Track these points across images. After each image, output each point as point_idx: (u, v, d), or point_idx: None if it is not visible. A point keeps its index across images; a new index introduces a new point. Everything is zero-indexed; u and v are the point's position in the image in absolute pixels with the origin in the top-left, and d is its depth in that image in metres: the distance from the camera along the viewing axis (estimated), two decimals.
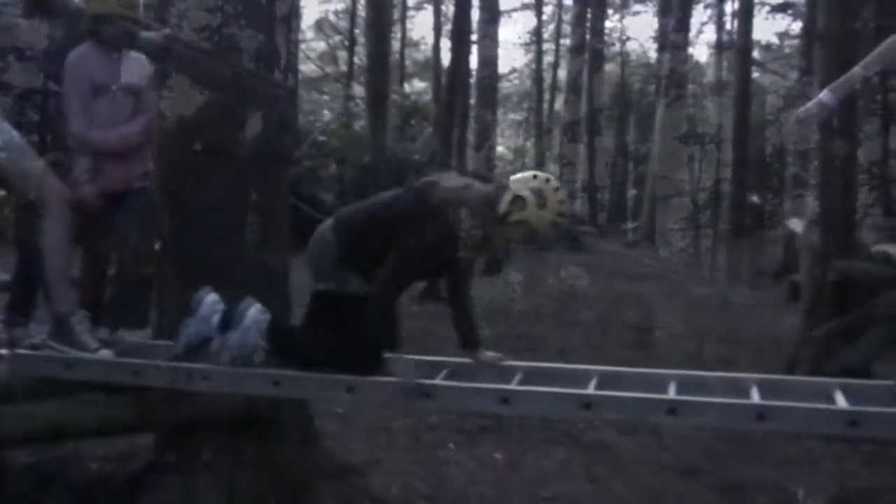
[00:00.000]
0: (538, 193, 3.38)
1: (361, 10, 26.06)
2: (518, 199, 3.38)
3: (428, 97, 27.28)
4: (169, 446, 4.18)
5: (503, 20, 28.96)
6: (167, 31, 4.14)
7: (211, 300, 3.54)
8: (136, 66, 4.11)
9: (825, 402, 3.12)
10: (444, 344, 8.33)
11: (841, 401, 3.10)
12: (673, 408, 3.13)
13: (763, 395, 3.21)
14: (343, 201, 18.62)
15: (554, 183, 3.46)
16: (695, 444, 5.51)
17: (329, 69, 29.80)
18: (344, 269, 3.51)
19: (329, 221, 3.64)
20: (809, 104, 3.11)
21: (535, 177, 3.46)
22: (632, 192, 27.73)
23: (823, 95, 3.09)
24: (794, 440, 5.52)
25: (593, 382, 3.35)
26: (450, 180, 3.57)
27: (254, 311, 3.51)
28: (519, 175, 3.52)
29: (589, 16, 21.95)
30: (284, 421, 4.19)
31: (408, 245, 3.38)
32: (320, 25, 31.71)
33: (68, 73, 3.93)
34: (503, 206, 3.39)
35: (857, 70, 3.08)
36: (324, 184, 18.87)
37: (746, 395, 3.22)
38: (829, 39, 7.46)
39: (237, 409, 3.96)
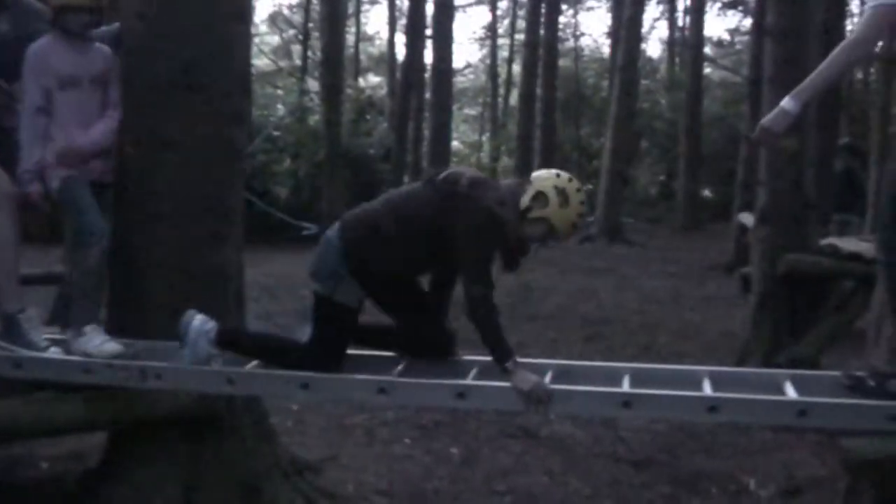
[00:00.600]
0: (561, 192, 3.33)
1: (316, 4, 25.92)
2: (541, 195, 3.33)
3: (383, 92, 27.26)
4: (122, 445, 4.12)
5: (458, 15, 28.98)
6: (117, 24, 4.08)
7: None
8: (100, 57, 3.99)
9: (775, 394, 3.17)
10: None
11: (791, 392, 3.16)
12: (627, 401, 3.16)
13: (715, 387, 3.25)
14: (297, 196, 18.61)
15: (576, 183, 3.40)
16: (649, 436, 5.57)
17: (283, 63, 29.61)
18: (343, 276, 3.43)
19: (336, 225, 3.54)
20: (772, 113, 3.14)
21: (558, 175, 3.41)
22: (587, 187, 27.95)
23: (785, 102, 3.11)
24: (746, 431, 5.61)
25: (548, 376, 3.37)
26: (470, 171, 3.50)
27: (197, 323, 3.51)
28: (541, 172, 3.47)
29: (543, 11, 22.01)
30: (239, 418, 4.16)
31: (472, 241, 3.29)
32: (274, 19, 31.52)
33: (29, 67, 3.80)
34: (525, 201, 3.34)
35: (817, 79, 3.10)
36: (278, 178, 18.77)
37: (699, 387, 3.26)
38: (779, 35, 7.57)
39: (191, 408, 3.92)
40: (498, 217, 3.29)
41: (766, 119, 3.16)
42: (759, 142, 3.51)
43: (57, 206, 3.94)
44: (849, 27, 21.97)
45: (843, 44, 3.07)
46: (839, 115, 14.08)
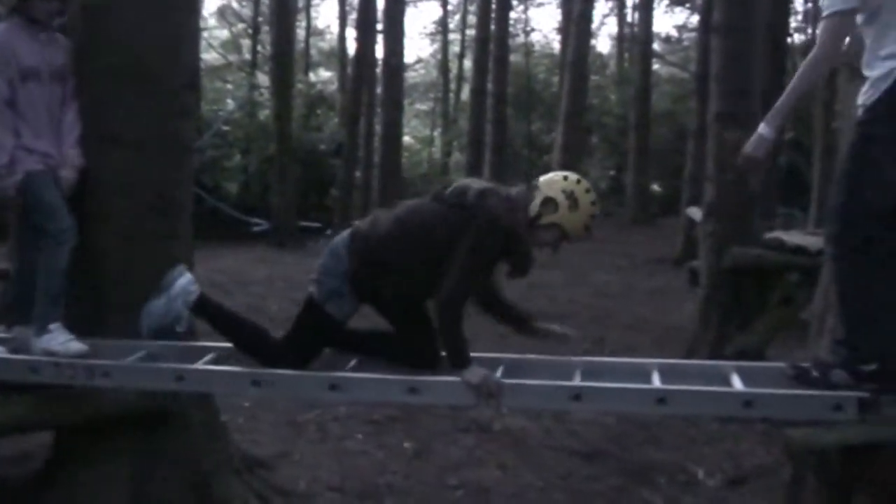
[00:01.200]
0: (569, 195, 3.29)
1: None
2: (549, 202, 3.29)
3: (334, 87, 27.08)
4: (68, 445, 4.06)
5: (409, 10, 28.93)
6: None
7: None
8: (61, 50, 3.84)
9: (722, 385, 3.23)
10: None
11: (737, 383, 3.21)
12: (577, 394, 3.19)
13: (664, 379, 3.30)
14: (247, 192, 18.45)
15: (585, 184, 3.36)
16: (599, 428, 5.63)
17: (232, 57, 29.28)
18: (343, 293, 3.39)
19: (345, 234, 3.49)
20: (751, 140, 3.20)
21: (565, 178, 3.36)
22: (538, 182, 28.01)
23: (761, 129, 3.18)
24: (694, 422, 5.69)
25: (500, 370, 3.39)
26: (477, 183, 3.45)
27: (183, 281, 3.49)
28: (548, 176, 3.41)
29: (494, 6, 22.05)
30: (189, 416, 4.12)
31: (471, 248, 3.23)
32: (223, 13, 31.16)
33: None
34: (534, 207, 3.30)
35: (788, 100, 3.16)
36: (228, 174, 18.60)
37: (648, 379, 3.31)
38: (725, 32, 7.68)
39: (139, 405, 3.87)
40: (504, 228, 3.25)
41: (747, 147, 3.23)
42: (745, 170, 3.59)
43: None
44: (793, 24, 22.36)
45: (807, 61, 3.09)
46: None
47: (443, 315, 3.26)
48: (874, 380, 3.03)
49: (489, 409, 3.34)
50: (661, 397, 3.16)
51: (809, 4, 26.19)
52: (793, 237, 6.88)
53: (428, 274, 3.30)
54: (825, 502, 3.52)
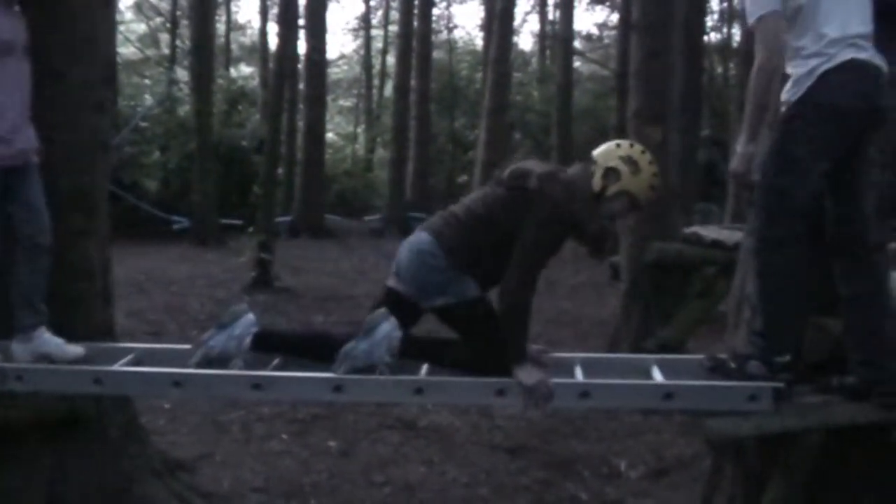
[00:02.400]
0: (628, 160, 3.29)
1: None
2: (610, 172, 3.28)
3: (255, 82, 26.73)
4: None
5: (331, 5, 28.75)
6: None
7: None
8: (24, 23, 3.60)
9: (644, 378, 3.29)
10: None
11: (657, 376, 3.28)
12: (500, 389, 3.21)
13: (586, 373, 3.35)
14: (167, 189, 18.10)
15: (639, 146, 3.37)
16: (524, 423, 5.68)
17: (150, 52, 28.67)
18: (459, 276, 3.29)
19: (424, 235, 3.36)
20: (734, 158, 3.24)
21: (618, 145, 3.37)
22: (463, 178, 28.14)
23: (740, 146, 3.20)
24: (616, 415, 5.78)
25: (424, 368, 3.39)
26: (538, 166, 3.37)
27: (387, 326, 3.28)
28: (602, 148, 3.39)
29: (416, 2, 22.03)
30: (107, 419, 4.03)
31: (534, 239, 3.19)
32: (140, 6, 30.47)
33: None
34: (597, 182, 3.28)
35: (753, 115, 3.15)
36: (147, 171, 18.23)
37: (571, 373, 3.35)
38: (644, 30, 7.82)
39: (56, 409, 3.77)
40: (566, 216, 3.21)
41: (732, 164, 3.27)
42: (738, 185, 3.67)
43: None
44: (709, 23, 22.84)
45: (754, 71, 3.10)
46: (701, 108, 14.63)
47: (510, 307, 3.20)
48: (788, 370, 3.12)
49: (534, 410, 3.29)
50: (584, 391, 3.20)
51: (725, 4, 26.80)
52: (710, 232, 7.01)
53: (494, 261, 3.26)
54: (742, 490, 3.62)
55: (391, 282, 3.47)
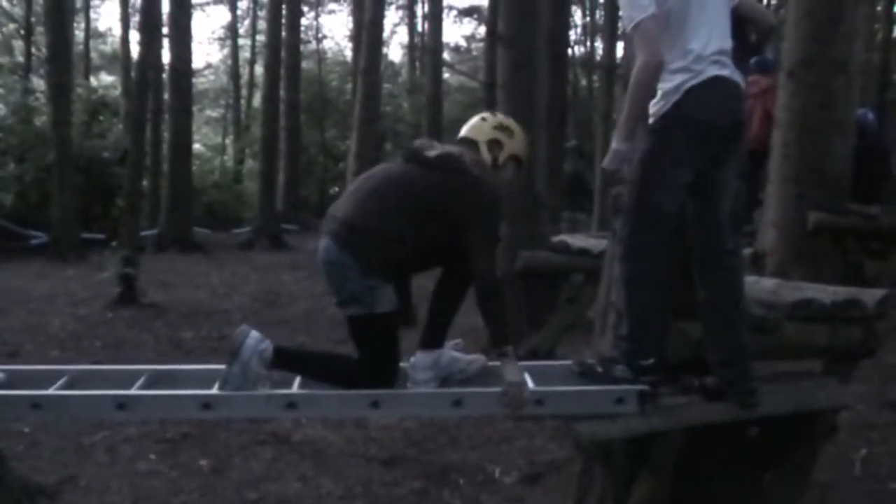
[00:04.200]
0: (501, 128, 3.45)
1: None
2: (493, 143, 3.41)
3: (117, 92, 25.90)
4: None
5: (196, 14, 28.16)
6: None
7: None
8: None
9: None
10: (139, 352, 8.01)
11: (528, 382, 3.32)
12: (375, 401, 3.21)
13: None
14: (24, 202, 17.32)
15: (500, 114, 3.59)
16: (399, 433, 5.67)
17: (3, 59, 27.40)
18: (375, 286, 3.20)
19: (328, 242, 3.26)
20: (608, 156, 3.28)
21: (484, 119, 3.49)
22: (334, 189, 28.00)
23: (615, 144, 3.24)
24: (490, 421, 5.84)
25: (296, 382, 3.35)
26: (457, 150, 3.38)
27: (251, 342, 3.18)
28: (471, 126, 3.48)
29: (284, 12, 21.82)
30: None
31: (486, 223, 3.21)
32: None
33: None
34: (486, 156, 3.39)
35: (630, 113, 3.19)
36: (2, 184, 17.41)
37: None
38: (510, 42, 7.98)
39: None
40: (497, 191, 3.30)
41: (605, 161, 3.30)
42: (608, 183, 3.79)
43: None
44: (573, 37, 23.43)
45: (635, 70, 3.12)
46: (566, 119, 15.01)
47: (492, 296, 3.20)
48: (653, 373, 3.23)
49: (507, 411, 3.27)
50: (456, 400, 3.23)
51: (587, 18, 27.57)
52: (577, 240, 7.18)
53: (425, 242, 3.27)
54: (611, 491, 3.72)
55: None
